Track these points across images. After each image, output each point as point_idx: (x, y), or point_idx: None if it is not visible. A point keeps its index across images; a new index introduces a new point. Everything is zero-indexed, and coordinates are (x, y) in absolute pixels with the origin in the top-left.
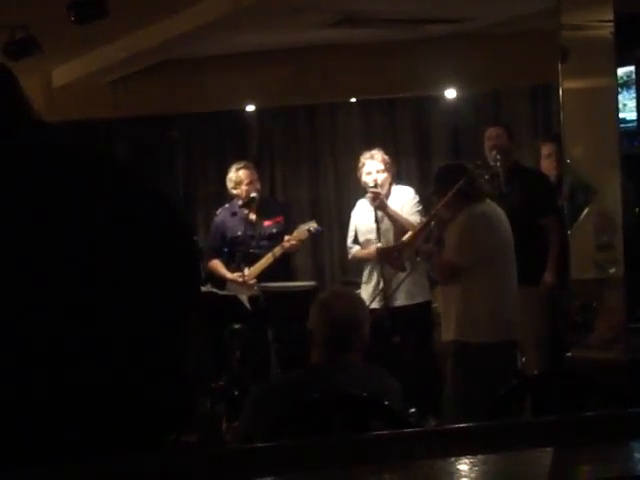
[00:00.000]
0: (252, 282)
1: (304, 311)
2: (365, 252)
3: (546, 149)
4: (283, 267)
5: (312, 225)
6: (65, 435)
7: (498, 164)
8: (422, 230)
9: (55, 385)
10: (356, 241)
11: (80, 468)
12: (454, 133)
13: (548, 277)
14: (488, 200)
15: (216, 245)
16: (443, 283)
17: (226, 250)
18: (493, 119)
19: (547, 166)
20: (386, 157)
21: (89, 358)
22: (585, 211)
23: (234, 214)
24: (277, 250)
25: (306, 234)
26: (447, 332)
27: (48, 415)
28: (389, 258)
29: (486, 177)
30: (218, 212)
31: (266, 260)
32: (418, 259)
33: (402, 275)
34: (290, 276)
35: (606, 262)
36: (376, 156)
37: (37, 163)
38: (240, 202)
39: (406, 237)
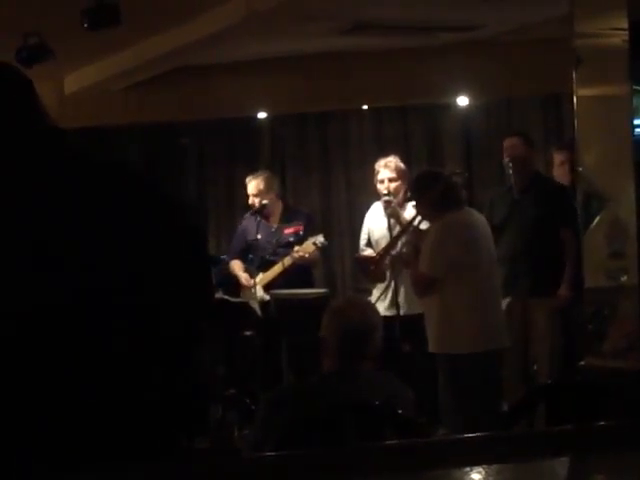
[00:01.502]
0: (255, 289)
1: (316, 318)
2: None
3: (559, 157)
4: (304, 276)
5: (319, 239)
6: (76, 440)
7: (510, 172)
8: (397, 239)
9: (66, 388)
10: (369, 244)
11: (92, 475)
12: (466, 141)
13: (563, 291)
14: (467, 208)
15: (238, 248)
16: (419, 296)
17: (251, 256)
18: (504, 127)
19: (560, 174)
20: (401, 165)
21: (101, 361)
22: (597, 219)
23: (256, 219)
24: (287, 260)
25: (312, 247)
26: (430, 343)
27: (59, 418)
28: (365, 268)
29: (461, 183)
30: (245, 216)
31: (277, 268)
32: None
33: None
34: (311, 286)
35: (618, 270)
36: (389, 164)
37: (53, 170)
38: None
39: (382, 247)
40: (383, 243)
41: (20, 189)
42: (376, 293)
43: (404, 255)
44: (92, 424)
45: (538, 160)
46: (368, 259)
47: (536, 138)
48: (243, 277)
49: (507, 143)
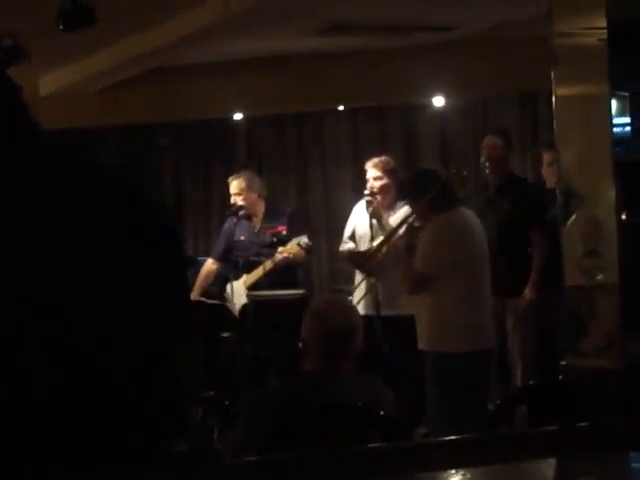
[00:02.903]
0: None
1: (293, 319)
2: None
3: (548, 157)
4: (289, 276)
5: (303, 240)
6: (56, 445)
7: (487, 172)
8: (390, 236)
9: (46, 394)
10: (353, 238)
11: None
12: (442, 141)
13: (528, 292)
14: (462, 208)
15: (221, 249)
16: (410, 293)
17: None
18: (481, 127)
19: (549, 174)
20: (391, 164)
21: (82, 367)
22: (572, 218)
23: (239, 219)
24: (268, 263)
25: (296, 248)
26: (420, 341)
27: (41, 423)
28: (357, 263)
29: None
30: (228, 217)
31: (261, 270)
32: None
33: (392, 283)
34: (296, 286)
35: (593, 269)
36: (378, 163)
37: (32, 170)
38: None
39: (376, 243)
40: (365, 241)
41: (2, 192)
42: (357, 294)
43: (397, 252)
44: (72, 428)
45: (515, 159)
46: (360, 254)
47: (513, 138)
48: (201, 276)
49: (486, 142)
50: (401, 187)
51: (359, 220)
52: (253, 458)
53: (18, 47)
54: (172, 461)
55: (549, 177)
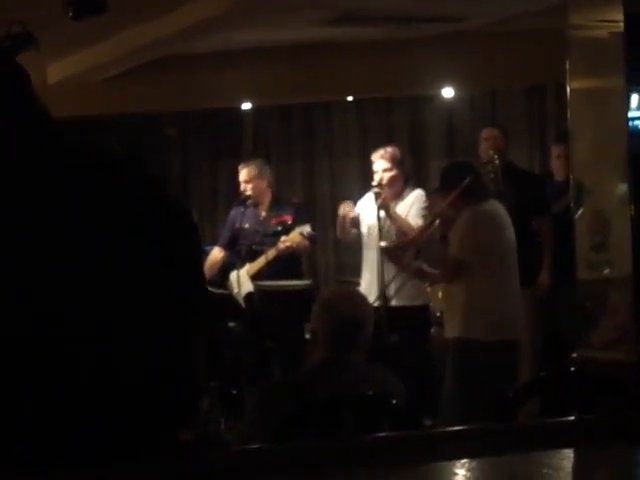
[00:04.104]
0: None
1: (299, 309)
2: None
3: (557, 150)
4: (292, 265)
5: (306, 229)
6: (66, 435)
7: (496, 163)
8: (426, 228)
9: (55, 382)
10: (358, 226)
11: (81, 470)
12: (450, 132)
13: (544, 279)
14: (492, 199)
15: (226, 237)
16: (447, 281)
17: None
18: (489, 119)
19: (558, 167)
20: (397, 154)
21: (92, 355)
22: (580, 211)
23: (244, 208)
24: (271, 252)
25: (299, 237)
26: (450, 329)
27: (47, 414)
28: (394, 257)
29: (492, 176)
30: (234, 205)
31: (264, 258)
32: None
33: (400, 274)
34: (298, 276)
35: (600, 263)
36: (385, 154)
37: (49, 162)
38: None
39: (411, 236)
40: (373, 233)
41: (15, 181)
42: (364, 284)
43: (413, 263)
44: (81, 418)
45: (524, 151)
46: (395, 249)
47: (520, 130)
48: (208, 265)
49: (488, 134)
50: (408, 178)
51: (366, 213)
52: (261, 446)
53: (27, 34)
54: (180, 451)
55: (558, 170)
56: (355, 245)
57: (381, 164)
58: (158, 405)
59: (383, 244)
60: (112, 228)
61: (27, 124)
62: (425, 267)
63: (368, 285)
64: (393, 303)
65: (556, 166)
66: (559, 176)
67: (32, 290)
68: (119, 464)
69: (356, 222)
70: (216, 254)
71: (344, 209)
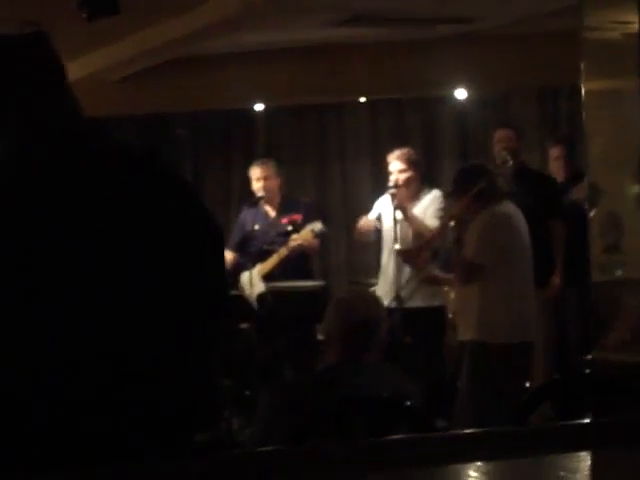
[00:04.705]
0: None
1: (311, 310)
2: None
3: (555, 152)
4: (303, 265)
5: (316, 226)
6: (87, 432)
7: (509, 165)
8: (442, 231)
9: (77, 381)
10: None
11: (97, 469)
12: (463, 134)
13: (556, 279)
14: (507, 201)
15: (237, 239)
16: (462, 283)
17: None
18: (502, 120)
19: (556, 168)
20: (412, 155)
21: (114, 356)
22: (593, 212)
23: (254, 209)
24: (282, 250)
25: (310, 235)
26: (464, 332)
27: (68, 411)
28: (410, 258)
29: (505, 177)
30: (243, 207)
31: (275, 258)
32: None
33: (414, 277)
34: (309, 275)
35: (612, 264)
36: (401, 156)
37: (86, 159)
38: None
39: (426, 237)
40: (389, 235)
41: (51, 177)
42: (380, 285)
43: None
44: (103, 416)
45: (535, 154)
46: (411, 250)
47: (533, 131)
48: None
49: (502, 135)
50: (424, 179)
51: (384, 214)
52: (275, 448)
53: (41, 34)
54: (194, 451)
55: (556, 172)
56: (368, 246)
57: (397, 165)
58: (184, 409)
59: (397, 247)
60: (143, 228)
61: (64, 120)
62: (438, 273)
63: (384, 286)
64: (409, 304)
65: (554, 167)
66: (558, 178)
67: (64, 283)
68: (134, 464)
69: (373, 232)
70: (226, 256)
71: (362, 227)
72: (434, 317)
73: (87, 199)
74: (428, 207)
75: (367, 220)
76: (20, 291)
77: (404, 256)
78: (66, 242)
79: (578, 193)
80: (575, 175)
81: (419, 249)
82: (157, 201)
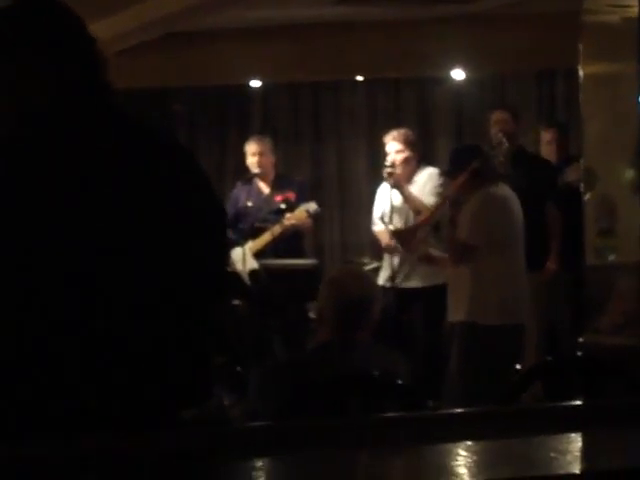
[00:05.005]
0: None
1: (304, 288)
2: (382, 234)
3: (547, 136)
4: (295, 244)
5: (311, 206)
6: (81, 404)
7: (505, 147)
8: (435, 212)
9: (75, 354)
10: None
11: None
12: (459, 115)
13: (551, 263)
14: (502, 183)
15: (228, 215)
16: (455, 264)
17: (240, 226)
18: (499, 102)
19: (547, 153)
20: (410, 136)
21: (113, 332)
22: (587, 196)
23: (248, 186)
24: (276, 228)
25: (304, 214)
26: (455, 313)
27: (62, 386)
28: (403, 240)
29: (501, 159)
30: (237, 184)
31: (267, 236)
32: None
33: (409, 257)
34: (301, 254)
35: (605, 248)
36: (397, 136)
37: (105, 121)
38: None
39: (420, 219)
40: (387, 217)
41: (79, 150)
42: (384, 266)
43: (422, 251)
44: (98, 389)
45: (530, 136)
46: (404, 231)
47: (529, 114)
48: None
49: (499, 117)
50: (421, 159)
51: (381, 198)
52: (263, 424)
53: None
54: (181, 428)
55: (548, 156)
56: (360, 225)
57: (394, 146)
58: (180, 385)
59: (392, 227)
60: (152, 202)
61: (88, 90)
62: (433, 252)
63: (386, 267)
64: (409, 284)
65: (546, 151)
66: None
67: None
68: (122, 438)
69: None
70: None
71: (387, 243)
72: (437, 296)
73: (100, 160)
74: (425, 185)
75: (381, 233)
76: (19, 257)
77: (399, 237)
78: (69, 200)
79: (571, 176)
80: (567, 159)
81: (414, 230)
82: (170, 179)
